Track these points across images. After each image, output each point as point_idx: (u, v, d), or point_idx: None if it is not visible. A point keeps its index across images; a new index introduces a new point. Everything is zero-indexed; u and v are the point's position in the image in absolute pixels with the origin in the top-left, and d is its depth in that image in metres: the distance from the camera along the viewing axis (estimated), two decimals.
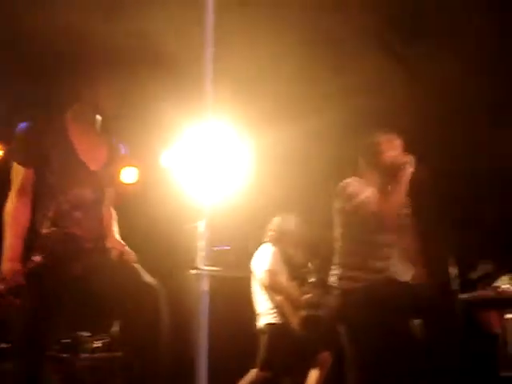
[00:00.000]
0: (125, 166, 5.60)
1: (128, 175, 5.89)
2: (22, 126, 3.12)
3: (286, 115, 5.27)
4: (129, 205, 4.30)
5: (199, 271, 5.52)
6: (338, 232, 3.78)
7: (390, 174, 3.67)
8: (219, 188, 5.91)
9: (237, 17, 4.26)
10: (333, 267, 3.76)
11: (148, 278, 3.19)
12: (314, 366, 4.87)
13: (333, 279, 3.72)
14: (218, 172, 5.86)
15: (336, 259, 3.76)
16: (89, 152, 3.19)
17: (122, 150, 3.47)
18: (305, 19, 4.43)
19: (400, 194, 3.59)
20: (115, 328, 5.02)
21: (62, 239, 3.04)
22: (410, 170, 3.58)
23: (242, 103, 5.12)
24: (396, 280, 3.68)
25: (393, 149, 3.75)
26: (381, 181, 3.72)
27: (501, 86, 5.07)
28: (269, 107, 5.17)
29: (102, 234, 3.25)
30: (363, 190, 3.62)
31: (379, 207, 3.53)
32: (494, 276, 5.50)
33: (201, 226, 5.68)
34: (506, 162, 5.80)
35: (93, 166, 3.17)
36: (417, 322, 4.80)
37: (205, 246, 5.61)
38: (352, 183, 3.70)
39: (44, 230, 3.03)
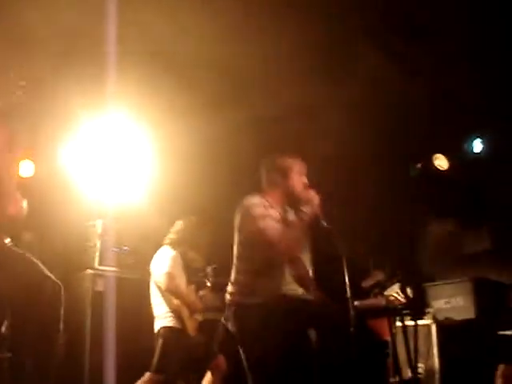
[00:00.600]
0: (22, 159, 5.40)
1: (25, 169, 5.66)
2: None
3: (195, 111, 5.20)
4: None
5: (95, 271, 5.43)
6: (235, 249, 3.81)
7: (294, 202, 3.80)
8: (120, 187, 5.82)
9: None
10: (229, 283, 3.80)
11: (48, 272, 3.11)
12: (208, 370, 4.87)
13: (227, 295, 3.77)
14: (118, 170, 5.77)
15: (232, 275, 3.79)
16: None
17: (21, 142, 3.35)
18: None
19: (300, 229, 3.70)
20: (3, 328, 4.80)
21: None
22: (314, 208, 3.70)
23: (146, 96, 5.02)
24: (288, 294, 3.76)
25: (301, 176, 3.85)
26: (283, 203, 3.82)
27: None
28: (176, 102, 5.08)
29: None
30: (264, 214, 3.64)
31: (278, 239, 3.58)
32: (386, 285, 5.71)
33: (99, 226, 5.59)
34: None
35: None
36: (311, 332, 4.93)
37: (102, 246, 5.53)
38: (254, 204, 3.69)
39: None
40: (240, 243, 3.77)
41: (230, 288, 3.77)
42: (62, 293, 3.09)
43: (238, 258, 3.78)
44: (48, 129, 5.42)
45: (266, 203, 3.74)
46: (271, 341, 3.53)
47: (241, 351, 3.69)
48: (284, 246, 3.60)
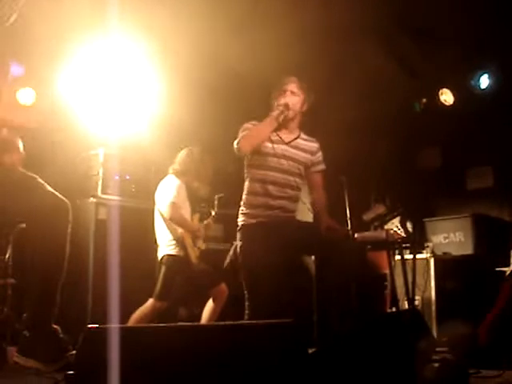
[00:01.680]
0: (21, 87, 5.31)
1: (25, 96, 5.59)
2: None
3: (204, 42, 5.08)
4: (24, 129, 4.09)
5: (98, 199, 5.44)
6: (245, 171, 4.02)
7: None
8: (122, 115, 5.76)
9: None
10: (241, 204, 3.99)
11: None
12: (210, 298, 4.96)
13: (239, 215, 3.97)
14: (121, 97, 5.69)
15: (243, 196, 4.00)
16: None
17: (18, 70, 3.31)
18: None
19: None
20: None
21: None
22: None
23: (154, 17, 4.88)
24: (291, 218, 3.97)
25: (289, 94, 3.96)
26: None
27: None
28: (186, 29, 4.94)
29: None
30: (245, 128, 3.91)
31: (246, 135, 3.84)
32: (386, 219, 5.76)
33: (101, 154, 5.56)
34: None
35: None
36: (311, 258, 4.99)
37: (105, 174, 5.51)
38: (244, 126, 3.94)
39: None
40: (246, 165, 4.03)
41: (240, 209, 3.99)
42: (70, 212, 3.13)
43: (246, 178, 4.03)
44: (48, 54, 5.32)
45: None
46: (268, 260, 3.68)
47: (242, 271, 3.82)
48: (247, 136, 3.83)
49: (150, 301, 4.77)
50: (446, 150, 7.02)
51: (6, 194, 3.01)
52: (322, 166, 4.11)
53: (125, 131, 5.71)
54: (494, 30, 5.24)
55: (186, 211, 4.96)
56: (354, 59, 5.37)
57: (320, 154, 4.11)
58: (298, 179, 3.98)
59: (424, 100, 6.29)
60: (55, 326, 3.18)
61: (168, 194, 4.86)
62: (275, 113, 3.88)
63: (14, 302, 4.72)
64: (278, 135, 3.97)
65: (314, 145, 4.11)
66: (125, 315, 4.65)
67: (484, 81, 6.13)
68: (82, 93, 5.58)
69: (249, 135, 3.84)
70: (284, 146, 3.95)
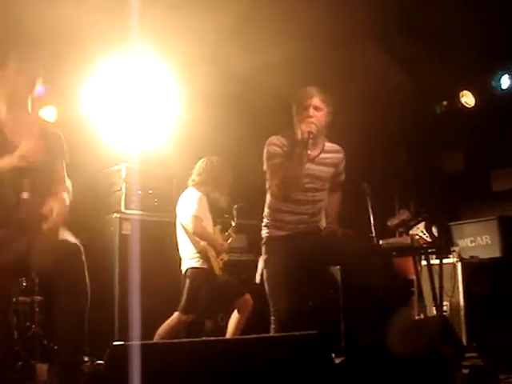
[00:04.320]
0: (44, 105, 5.39)
1: (47, 114, 5.66)
2: None
3: (223, 56, 5.09)
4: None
5: (121, 215, 5.48)
6: (266, 184, 3.94)
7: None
8: (143, 130, 5.81)
9: None
10: (264, 216, 3.96)
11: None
12: (235, 309, 4.95)
13: (262, 228, 3.94)
14: (141, 113, 5.74)
15: (265, 209, 3.96)
16: None
17: (40, 89, 3.35)
18: None
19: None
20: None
21: None
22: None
23: (172, 34, 4.90)
24: (316, 229, 3.91)
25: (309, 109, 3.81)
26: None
27: None
28: (205, 44, 4.96)
29: None
30: (273, 153, 3.79)
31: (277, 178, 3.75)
32: (411, 224, 5.70)
33: (123, 170, 5.60)
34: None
35: None
36: (336, 268, 4.96)
37: (127, 189, 5.55)
38: (270, 142, 3.84)
39: None
40: (267, 178, 3.92)
41: (263, 222, 3.95)
42: (83, 254, 3.14)
43: (267, 191, 3.96)
44: (70, 72, 5.38)
45: (283, 141, 3.81)
46: (292, 273, 3.66)
47: (265, 285, 3.80)
48: (280, 185, 3.74)
49: (176, 314, 4.77)
50: (469, 152, 6.95)
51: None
52: (342, 177, 4.04)
53: (146, 146, 5.75)
54: None
55: (207, 223, 4.96)
56: (369, 64, 5.33)
57: (343, 164, 4.01)
58: (321, 193, 3.91)
59: (444, 103, 6.24)
60: (81, 357, 3.20)
61: (189, 207, 4.87)
62: (301, 148, 3.68)
63: (41, 319, 4.78)
64: None
65: (338, 155, 3.99)
66: (151, 329, 4.66)
67: (505, 81, 6.07)
68: (102, 109, 5.64)
69: (282, 183, 3.74)
70: (309, 165, 3.82)
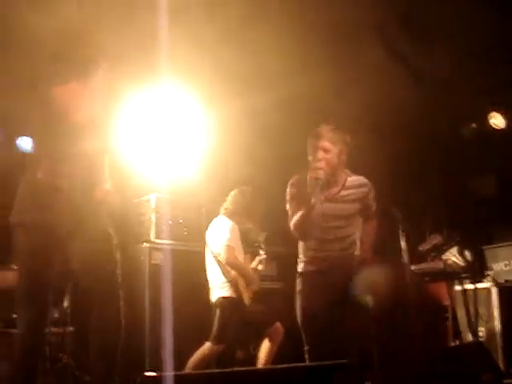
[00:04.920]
0: None
1: None
2: None
3: (252, 85, 5.12)
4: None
5: (152, 244, 5.50)
6: None
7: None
8: (171, 160, 5.85)
9: None
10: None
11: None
12: (266, 338, 4.91)
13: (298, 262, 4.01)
14: (172, 143, 5.78)
15: (299, 245, 4.01)
16: None
17: None
18: None
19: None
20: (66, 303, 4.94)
21: None
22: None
23: (204, 68, 4.95)
24: (348, 262, 3.89)
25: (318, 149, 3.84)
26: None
27: None
28: (235, 75, 5.00)
29: None
30: (292, 196, 3.89)
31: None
32: (443, 248, 5.62)
33: (153, 200, 5.64)
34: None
35: None
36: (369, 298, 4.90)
37: (157, 219, 5.58)
38: (291, 184, 3.93)
39: None
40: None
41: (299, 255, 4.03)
42: (119, 272, 3.15)
43: None
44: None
45: (301, 182, 3.87)
46: (323, 305, 3.69)
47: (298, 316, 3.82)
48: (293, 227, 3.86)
49: (207, 344, 4.75)
50: (501, 175, 6.84)
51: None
52: (373, 208, 3.97)
53: (175, 176, 5.78)
54: None
55: (239, 252, 4.95)
56: (396, 87, 5.31)
57: (371, 196, 3.93)
58: (348, 229, 3.89)
59: (473, 125, 6.17)
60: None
61: (222, 237, 4.87)
62: (311, 192, 3.74)
63: (73, 350, 4.79)
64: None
65: (362, 190, 3.91)
66: (181, 359, 4.64)
67: None
68: (132, 139, 5.70)
69: (295, 225, 3.84)
70: (327, 204, 3.82)
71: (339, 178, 3.88)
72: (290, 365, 2.79)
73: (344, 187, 3.87)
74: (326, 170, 3.76)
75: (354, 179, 3.92)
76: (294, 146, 4.30)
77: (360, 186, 3.92)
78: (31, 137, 3.30)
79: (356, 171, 3.99)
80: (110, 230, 3.19)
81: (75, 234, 3.00)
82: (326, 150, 3.79)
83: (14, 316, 4.52)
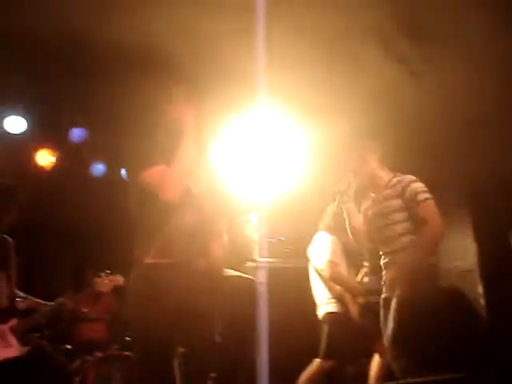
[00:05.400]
0: None
1: None
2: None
3: (345, 106, 5.13)
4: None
5: (256, 263, 5.57)
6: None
7: None
8: (272, 178, 5.92)
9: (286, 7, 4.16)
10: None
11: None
12: (376, 353, 4.85)
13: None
14: (270, 162, 5.86)
15: None
16: None
17: None
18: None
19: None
20: None
21: None
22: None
23: (298, 90, 5.00)
24: None
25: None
26: None
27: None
28: (326, 96, 5.02)
29: None
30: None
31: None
32: None
33: (254, 219, 5.72)
34: None
35: None
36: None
37: (259, 238, 5.65)
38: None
39: None
40: None
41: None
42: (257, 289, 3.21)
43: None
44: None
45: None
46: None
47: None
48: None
49: (317, 361, 4.75)
50: None
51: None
52: (419, 205, 3.84)
53: (275, 194, 5.85)
54: None
55: (342, 267, 4.94)
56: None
57: (411, 187, 3.88)
58: (400, 226, 3.89)
59: None
60: None
61: (324, 252, 4.88)
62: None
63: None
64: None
65: (398, 185, 3.94)
66: (292, 377, 4.67)
67: None
68: (230, 159, 5.82)
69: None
70: (370, 206, 4.09)
71: (374, 185, 4.16)
72: (407, 380, 2.74)
73: (387, 187, 4.07)
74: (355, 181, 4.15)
75: (397, 179, 4.02)
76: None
77: (396, 183, 4.01)
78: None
79: None
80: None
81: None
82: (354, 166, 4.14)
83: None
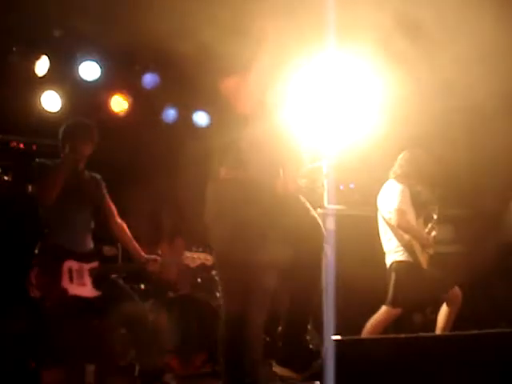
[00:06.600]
0: None
1: None
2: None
3: (421, 50, 4.96)
4: None
5: (325, 210, 5.57)
6: None
7: None
8: (341, 125, 5.86)
9: None
10: None
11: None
12: (444, 303, 4.84)
13: None
14: (341, 106, 5.78)
15: None
16: None
17: None
18: None
19: None
20: None
21: None
22: None
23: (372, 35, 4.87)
24: None
25: None
26: None
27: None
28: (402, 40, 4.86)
29: None
30: None
31: None
32: None
33: (325, 166, 5.69)
34: None
35: None
36: None
37: (329, 185, 5.64)
38: None
39: None
40: None
41: None
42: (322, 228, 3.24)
43: None
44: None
45: None
46: None
47: None
48: None
49: (384, 308, 4.78)
50: None
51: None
52: None
53: (345, 140, 5.79)
54: None
55: (411, 216, 4.89)
56: None
57: None
58: None
59: None
60: (307, 337, 3.31)
61: (392, 201, 4.84)
62: None
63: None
64: None
65: None
66: (359, 323, 4.73)
67: None
68: (302, 107, 5.78)
69: None
70: None
71: None
72: (474, 331, 2.73)
73: None
74: None
75: None
76: (478, 105, 4.08)
77: None
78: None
79: None
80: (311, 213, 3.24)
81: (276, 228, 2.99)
82: None
83: None
